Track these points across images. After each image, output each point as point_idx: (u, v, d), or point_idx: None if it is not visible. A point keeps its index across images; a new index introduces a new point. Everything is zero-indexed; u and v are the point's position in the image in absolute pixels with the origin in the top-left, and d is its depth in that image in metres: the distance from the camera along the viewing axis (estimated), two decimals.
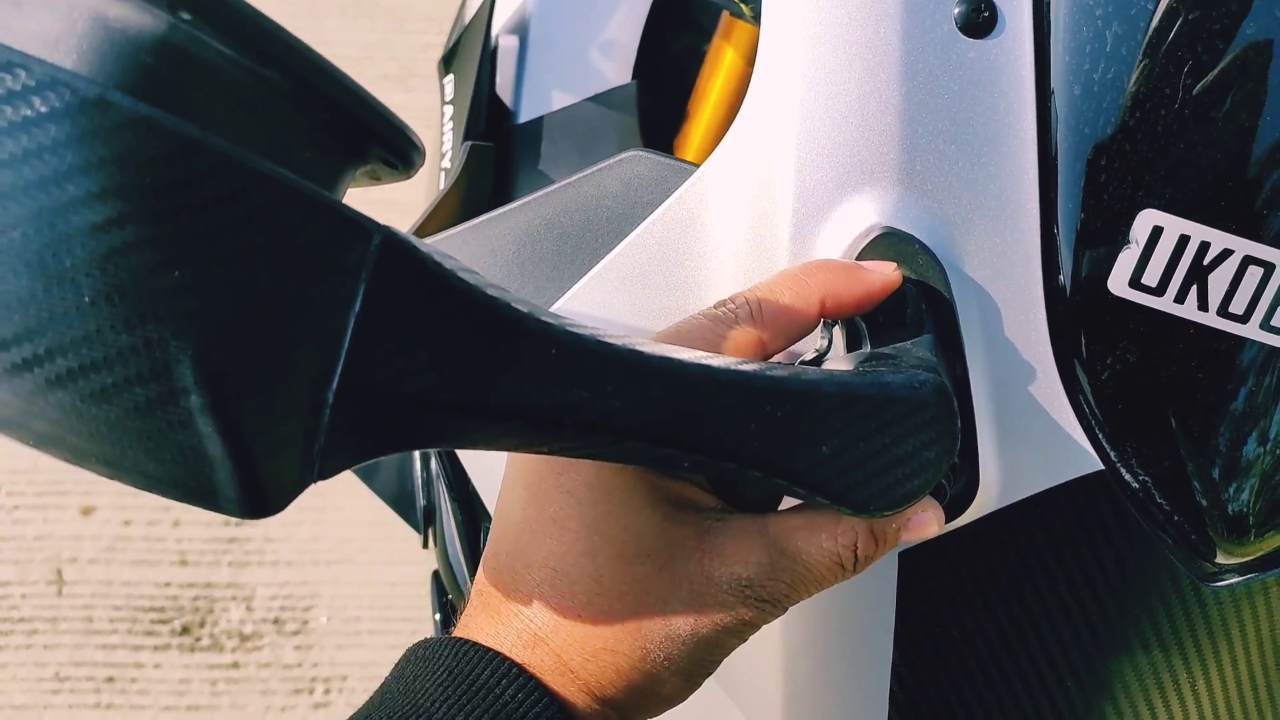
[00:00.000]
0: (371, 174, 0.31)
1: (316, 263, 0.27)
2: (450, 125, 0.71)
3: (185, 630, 1.40)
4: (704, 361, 0.31)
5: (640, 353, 0.30)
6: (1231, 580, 0.42)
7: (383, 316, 0.28)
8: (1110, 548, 0.41)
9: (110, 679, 1.36)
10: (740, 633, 0.35)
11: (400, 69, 1.92)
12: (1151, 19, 0.36)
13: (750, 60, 0.64)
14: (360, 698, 1.34)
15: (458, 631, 0.36)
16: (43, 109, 0.23)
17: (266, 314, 0.26)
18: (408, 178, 0.31)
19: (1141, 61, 0.36)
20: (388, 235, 0.28)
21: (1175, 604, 0.42)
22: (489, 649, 0.34)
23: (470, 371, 0.29)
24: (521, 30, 0.74)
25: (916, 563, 0.41)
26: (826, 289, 0.35)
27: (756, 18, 0.50)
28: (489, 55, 0.69)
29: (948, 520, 0.39)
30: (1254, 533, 0.42)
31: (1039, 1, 0.37)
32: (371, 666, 1.37)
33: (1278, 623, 0.43)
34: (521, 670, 0.34)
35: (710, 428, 0.31)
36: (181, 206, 0.24)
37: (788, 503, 0.36)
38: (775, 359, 0.36)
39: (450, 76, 0.74)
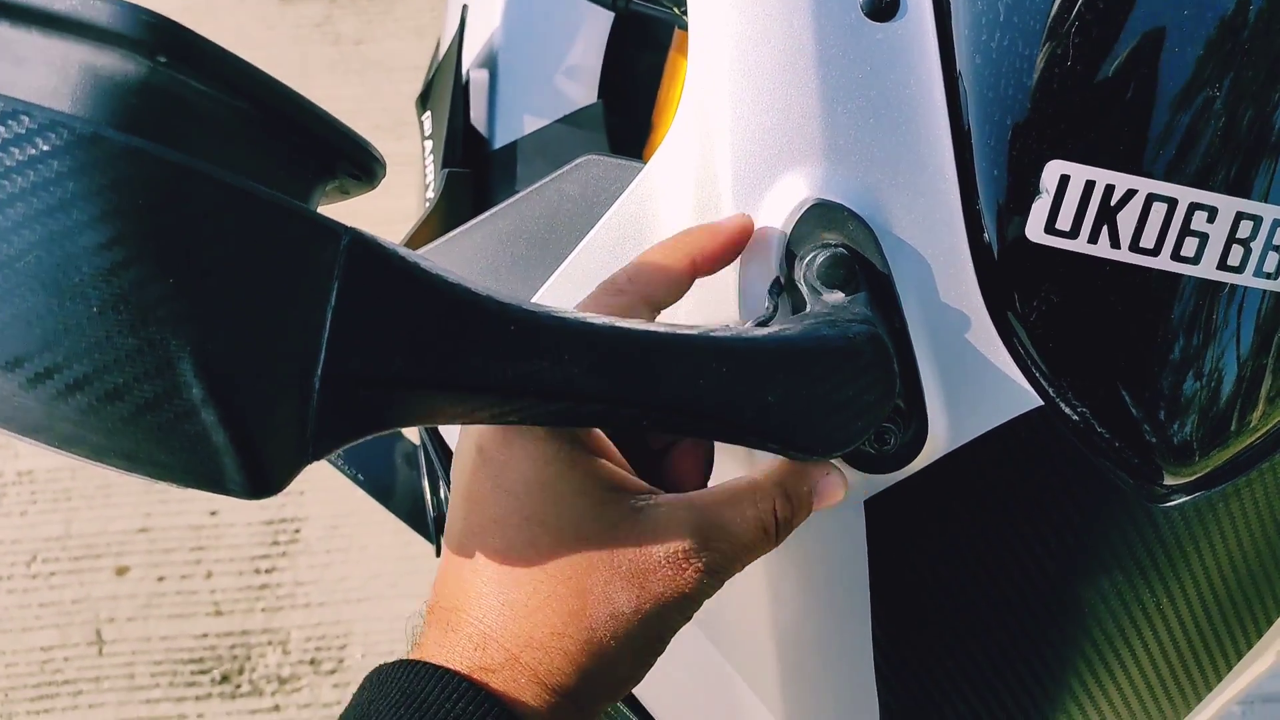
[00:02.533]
0: (341, 188, 0.35)
1: (293, 264, 0.30)
2: (430, 158, 0.75)
3: (225, 679, 1.43)
4: (652, 329, 0.35)
5: (590, 323, 0.34)
6: (1180, 500, 0.45)
7: (356, 307, 0.31)
8: (1059, 479, 0.44)
9: None
10: (682, 607, 0.37)
11: (391, 120, 1.98)
12: None
13: None
14: None
15: (413, 654, 0.37)
16: (45, 147, 0.27)
17: (253, 312, 0.30)
18: (373, 188, 0.35)
19: (1033, 26, 0.40)
20: (355, 235, 0.31)
21: (1129, 526, 0.44)
22: (439, 666, 0.35)
23: (439, 351, 0.33)
24: (491, 63, 0.78)
25: (881, 511, 0.44)
26: (693, 247, 0.40)
27: None
28: (462, 89, 0.73)
29: (902, 466, 0.43)
30: (1198, 454, 0.45)
31: None
32: None
33: (1228, 536, 0.46)
34: (471, 684, 0.35)
35: (664, 387, 0.35)
36: (170, 223, 0.28)
37: (714, 482, 0.39)
38: (727, 324, 0.40)
39: (428, 113, 0.78)
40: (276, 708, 1.41)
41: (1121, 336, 0.42)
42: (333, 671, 1.43)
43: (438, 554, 0.78)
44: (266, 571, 1.50)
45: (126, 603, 1.48)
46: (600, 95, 0.77)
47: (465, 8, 0.78)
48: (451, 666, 0.35)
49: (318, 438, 0.32)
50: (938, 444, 0.43)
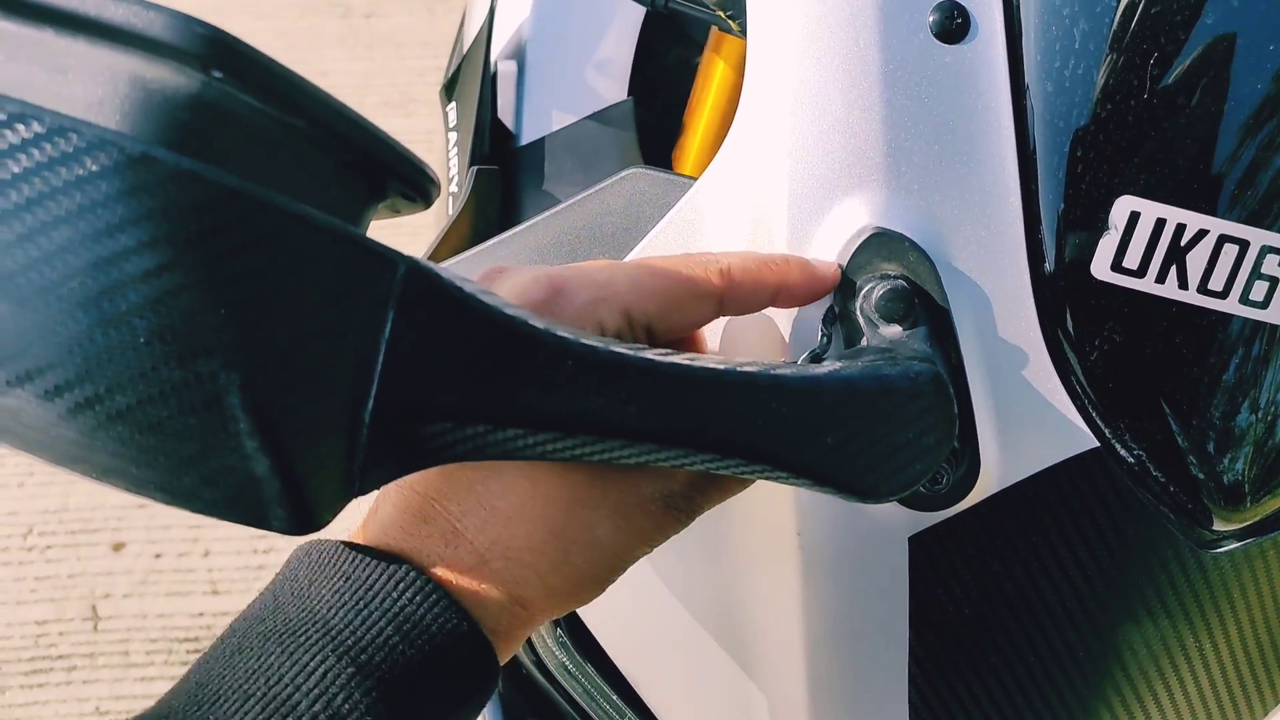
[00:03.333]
0: (392, 207, 0.33)
1: (348, 294, 0.29)
2: (455, 151, 0.73)
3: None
4: (711, 365, 0.33)
5: (651, 360, 0.32)
6: (1230, 546, 0.44)
7: (411, 339, 0.30)
8: (1110, 521, 0.42)
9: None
10: (654, 542, 0.37)
11: (399, 95, 1.96)
12: (1115, 14, 0.38)
13: (741, 71, 0.67)
14: None
15: (359, 534, 0.37)
16: (94, 168, 0.25)
17: (306, 343, 0.28)
18: (425, 209, 0.33)
19: (1109, 55, 0.38)
20: (411, 265, 0.30)
21: (1177, 571, 0.43)
22: (389, 553, 0.35)
23: (493, 386, 0.31)
24: (519, 55, 0.76)
25: (926, 547, 0.43)
26: (782, 279, 0.38)
27: (744, 31, 0.52)
28: (489, 81, 0.72)
29: (952, 504, 0.41)
30: (1250, 499, 0.43)
31: (1009, 5, 0.39)
32: None
33: (1276, 583, 0.45)
34: (419, 574, 0.34)
35: (720, 427, 0.33)
36: (224, 250, 0.27)
37: None
38: (780, 360, 0.39)
39: (452, 104, 0.76)
40: None
41: (1183, 379, 0.41)
42: None
43: None
44: (264, 552, 1.48)
45: (123, 579, 1.47)
46: (630, 91, 0.75)
47: None
48: (415, 559, 0.35)
49: (365, 472, 0.31)
50: (989, 482, 0.42)
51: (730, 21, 0.53)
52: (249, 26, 2.01)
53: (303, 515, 0.30)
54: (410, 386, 0.30)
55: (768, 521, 0.45)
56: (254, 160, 0.28)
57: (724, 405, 0.33)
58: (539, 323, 0.32)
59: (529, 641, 0.57)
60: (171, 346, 0.27)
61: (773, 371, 0.34)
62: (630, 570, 0.37)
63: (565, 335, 0.32)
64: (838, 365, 0.36)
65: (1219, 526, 0.43)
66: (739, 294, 0.38)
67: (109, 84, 0.27)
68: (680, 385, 0.33)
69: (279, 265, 0.27)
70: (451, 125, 0.75)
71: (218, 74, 0.27)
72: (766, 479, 0.36)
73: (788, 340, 0.42)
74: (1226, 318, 0.40)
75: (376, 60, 2.01)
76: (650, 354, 0.33)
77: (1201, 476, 0.42)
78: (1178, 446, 0.42)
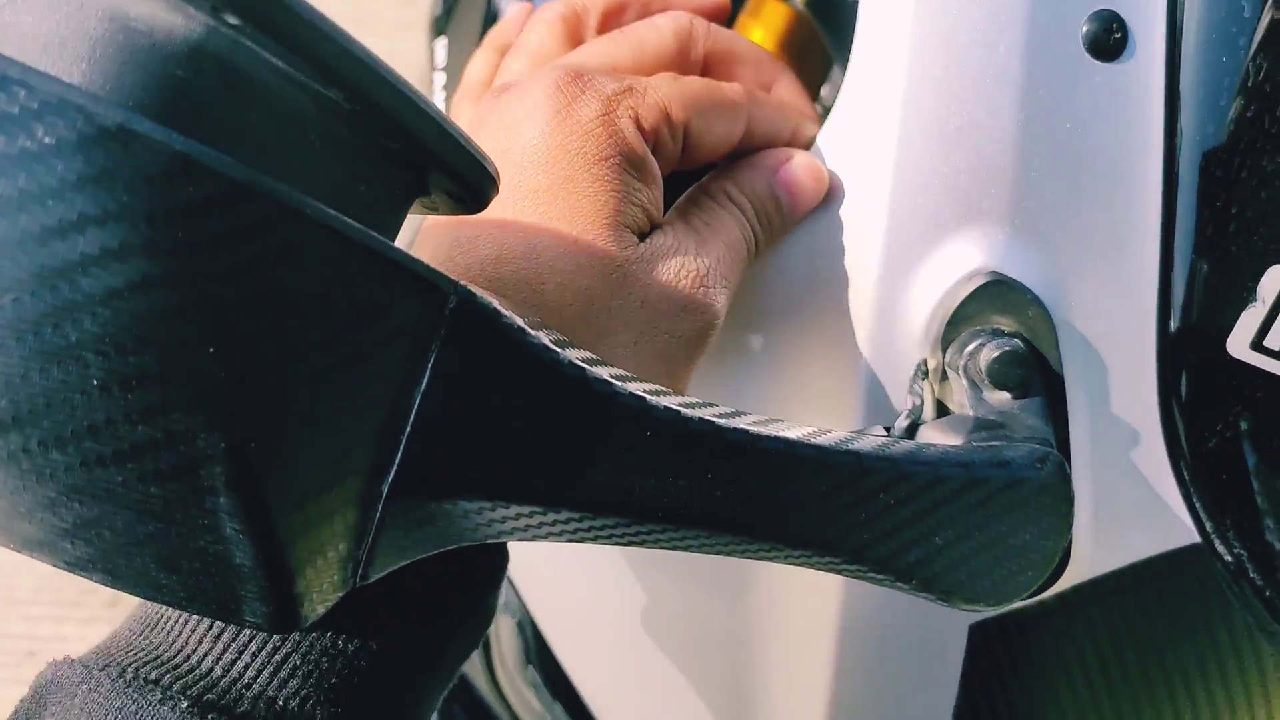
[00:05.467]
0: (430, 205, 0.26)
1: (380, 330, 0.21)
2: (443, 95, 0.65)
3: (113, 603, 1.32)
4: (816, 442, 0.27)
5: (750, 433, 0.26)
6: None
7: (455, 392, 0.23)
8: (1201, 621, 0.37)
9: (32, 653, 1.29)
10: (679, 345, 0.32)
11: (357, 9, 1.82)
12: None
13: (780, 45, 0.59)
14: None
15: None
16: (47, 140, 0.17)
17: (319, 395, 0.21)
18: (475, 212, 0.25)
19: None
20: (465, 297, 0.22)
21: (1256, 681, 0.39)
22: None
23: (551, 459, 0.24)
24: None
25: (990, 638, 0.37)
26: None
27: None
28: (492, 19, 0.63)
29: (1037, 593, 0.36)
30: None
31: (1173, 21, 0.33)
32: None
33: None
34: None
35: (818, 521, 0.27)
36: (221, 267, 0.19)
37: None
38: (873, 428, 0.32)
39: (442, 39, 0.67)
40: None
41: None
42: None
43: None
44: None
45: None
46: None
47: None
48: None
49: (373, 557, 0.24)
50: (1077, 572, 0.36)
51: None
52: None
53: (286, 612, 0.23)
54: (445, 454, 0.23)
55: (803, 581, 0.39)
56: (271, 142, 0.20)
57: (827, 494, 0.27)
58: (614, 378, 0.25)
59: (495, 682, 0.50)
60: (137, 394, 0.19)
61: (883, 453, 0.28)
62: (617, 597, 0.31)
63: (646, 397, 0.25)
64: (948, 445, 0.30)
65: None
66: (762, 118, 0.35)
67: (76, 18, 0.19)
68: (780, 468, 0.26)
69: (293, 291, 0.20)
70: (440, 65, 0.66)
71: (231, 18, 0.19)
72: (847, 576, 0.29)
73: (862, 395, 0.35)
74: None
75: None
76: (750, 424, 0.26)
77: None
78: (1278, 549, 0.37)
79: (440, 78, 0.66)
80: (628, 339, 0.31)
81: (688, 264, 0.32)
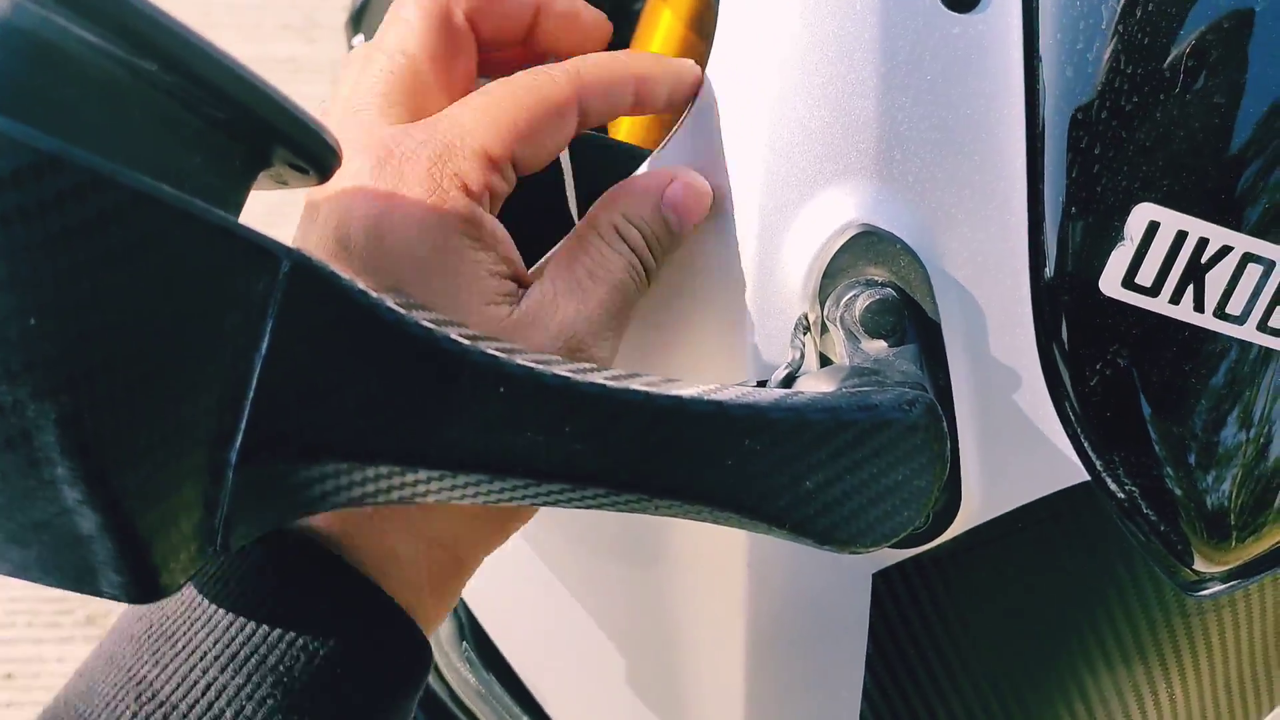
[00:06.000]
0: (277, 178, 0.26)
1: (212, 298, 0.22)
2: None
3: (90, 620, 1.32)
4: (674, 393, 0.27)
5: (604, 386, 0.26)
6: (1216, 588, 0.40)
7: (296, 357, 0.23)
8: (1093, 559, 0.38)
9: (9, 675, 1.29)
10: None
11: (303, 18, 1.82)
12: None
13: (690, 24, 0.60)
14: None
15: None
16: None
17: (150, 363, 0.21)
18: (320, 183, 0.26)
19: (1142, 40, 0.33)
20: (298, 261, 0.23)
21: (1158, 614, 0.39)
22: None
23: (404, 418, 0.25)
24: None
25: (892, 585, 0.38)
26: (638, 71, 0.34)
27: None
28: None
29: (928, 541, 0.37)
30: (1235, 539, 0.40)
31: None
32: None
33: (1255, 628, 0.42)
34: (313, 543, 0.30)
35: (682, 469, 0.27)
36: (38, 237, 0.19)
37: None
38: (748, 381, 0.33)
39: (359, 37, 0.68)
40: None
41: (1188, 411, 0.36)
42: None
43: None
44: None
45: None
46: None
47: None
48: (305, 531, 0.30)
49: (230, 525, 0.24)
50: (969, 515, 0.37)
51: None
52: None
53: (146, 582, 0.23)
54: (293, 417, 0.24)
55: (714, 538, 0.40)
56: (88, 115, 0.21)
57: (689, 442, 0.27)
58: (464, 338, 0.25)
59: (437, 670, 0.51)
60: None
61: (746, 400, 0.28)
62: (540, 571, 0.31)
63: (498, 355, 0.25)
64: (818, 391, 0.30)
65: (1203, 568, 0.40)
66: (596, 96, 0.33)
67: None
68: (637, 418, 0.27)
69: (116, 260, 0.20)
70: None
71: None
72: (716, 523, 0.30)
73: (740, 345, 0.36)
74: (1241, 345, 0.36)
75: None
76: (601, 377, 0.27)
77: (1194, 514, 0.38)
78: (1172, 482, 0.38)
79: None
80: None
81: (565, 322, 0.31)
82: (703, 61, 0.36)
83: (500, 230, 0.32)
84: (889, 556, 0.38)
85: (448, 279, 0.30)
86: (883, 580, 0.38)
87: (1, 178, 0.19)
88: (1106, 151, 0.34)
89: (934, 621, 0.39)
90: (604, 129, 0.65)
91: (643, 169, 0.36)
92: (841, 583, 0.38)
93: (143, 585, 0.23)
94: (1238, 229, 0.34)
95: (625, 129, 0.62)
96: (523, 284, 0.32)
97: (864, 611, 0.39)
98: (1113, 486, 0.37)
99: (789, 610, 0.39)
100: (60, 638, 1.31)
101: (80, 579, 0.23)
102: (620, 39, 0.69)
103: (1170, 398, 0.36)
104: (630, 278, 0.33)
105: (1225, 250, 0.34)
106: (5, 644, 1.30)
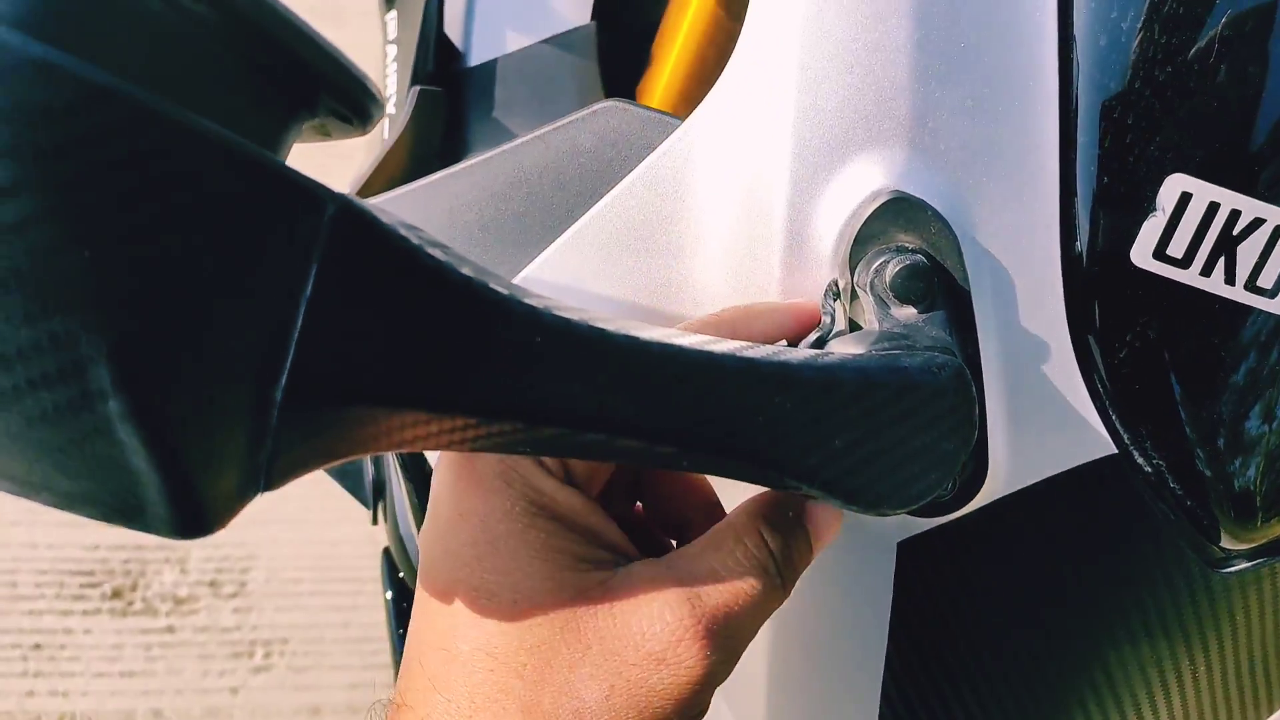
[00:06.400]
0: (320, 129, 0.26)
1: (258, 238, 0.22)
2: (394, 67, 0.66)
3: (116, 594, 1.34)
4: (707, 348, 0.28)
5: (637, 339, 0.27)
6: (1241, 566, 0.40)
7: (339, 300, 0.24)
8: (1118, 533, 0.38)
9: (38, 646, 1.31)
10: (682, 697, 0.29)
11: (331, 4, 1.83)
12: None
13: (721, 2, 0.60)
14: (303, 660, 1.31)
15: None
16: None
17: (198, 300, 0.22)
18: (363, 133, 0.26)
19: (1177, 8, 0.33)
20: (344, 204, 0.23)
21: (1183, 589, 0.40)
22: None
23: (442, 363, 0.25)
24: None
25: (916, 554, 0.38)
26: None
27: None
28: None
29: (954, 510, 0.37)
30: (1261, 518, 0.40)
31: None
32: (313, 629, 1.33)
33: (1279, 606, 0.42)
34: None
35: (715, 422, 0.28)
36: (88, 170, 0.20)
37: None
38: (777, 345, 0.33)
39: (393, 13, 0.68)
40: (170, 629, 1.33)
41: (1217, 386, 0.36)
42: (234, 595, 1.35)
43: (374, 521, 0.71)
44: None
45: (10, 505, 1.37)
46: (593, 15, 0.68)
47: None
48: None
49: (273, 463, 0.25)
50: (995, 486, 0.37)
51: None
52: None
53: (191, 517, 0.24)
54: (335, 359, 0.24)
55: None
56: (138, 54, 0.21)
57: (721, 395, 0.28)
58: (503, 288, 0.26)
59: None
60: (16, 296, 0.20)
61: (779, 358, 0.29)
62: None
63: (535, 305, 0.26)
64: (849, 353, 0.31)
65: (1230, 545, 0.40)
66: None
67: None
68: (671, 369, 0.27)
69: (164, 195, 0.21)
70: (391, 37, 0.67)
71: None
72: (760, 485, 0.30)
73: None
74: (1272, 319, 0.35)
75: None
76: (637, 330, 0.27)
77: (1222, 491, 0.38)
78: (1201, 459, 0.37)
79: (392, 50, 0.67)
80: (598, 693, 0.28)
81: (668, 608, 0.29)
82: (732, 43, 0.36)
83: (580, 506, 0.31)
84: (914, 526, 0.38)
85: (525, 550, 0.30)
86: (907, 550, 0.38)
87: (57, 110, 0.19)
88: (1139, 121, 0.34)
89: (958, 592, 0.39)
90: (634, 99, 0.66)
91: (675, 141, 0.36)
92: (866, 552, 0.38)
93: (187, 520, 0.24)
94: (1272, 201, 0.34)
95: (659, 96, 0.62)
96: None
97: (888, 580, 0.39)
98: (1140, 460, 0.37)
99: (814, 578, 0.40)
100: (86, 610, 1.33)
101: (126, 512, 0.23)
102: (653, 15, 0.70)
103: (1200, 372, 0.36)
104: (764, 586, 0.31)
105: (1258, 223, 0.34)
106: (32, 615, 1.32)
